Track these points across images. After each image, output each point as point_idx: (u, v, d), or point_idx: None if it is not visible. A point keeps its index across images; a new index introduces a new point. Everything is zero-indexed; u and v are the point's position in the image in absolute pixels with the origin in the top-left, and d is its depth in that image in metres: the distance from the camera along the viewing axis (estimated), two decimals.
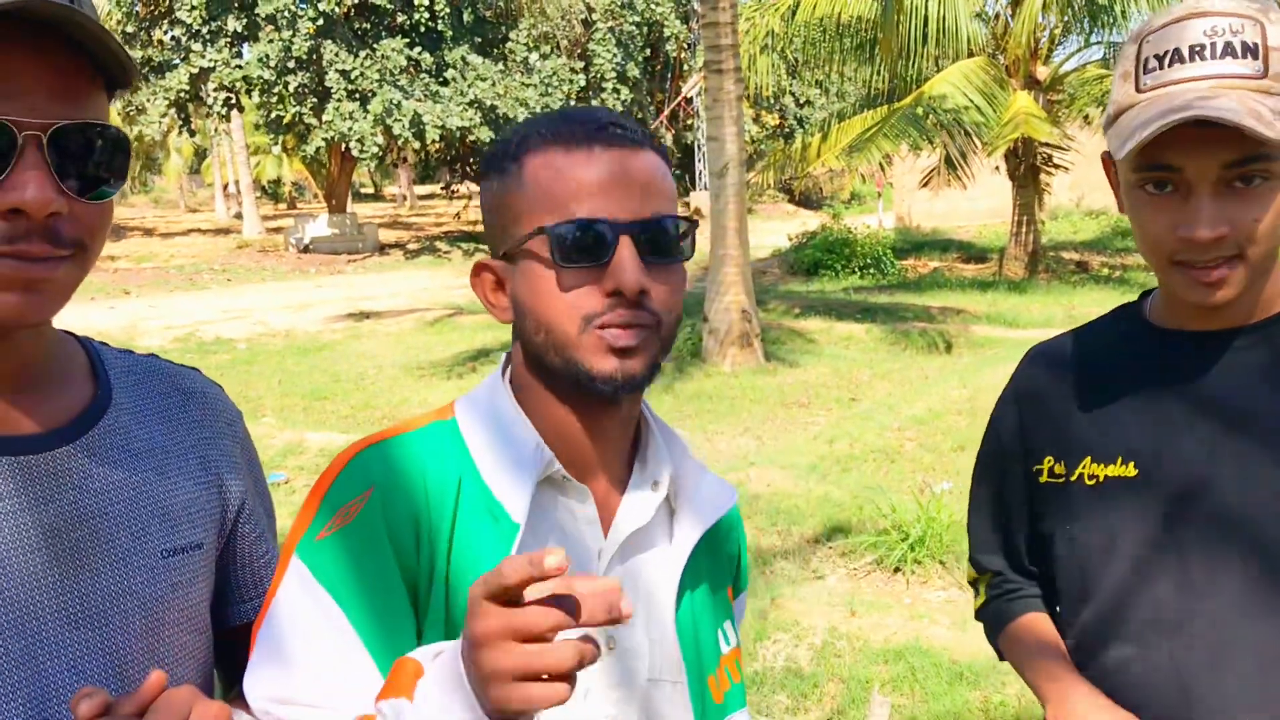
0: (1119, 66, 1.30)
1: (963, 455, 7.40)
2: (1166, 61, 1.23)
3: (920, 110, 14.73)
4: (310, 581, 1.04)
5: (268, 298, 17.05)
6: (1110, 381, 1.40)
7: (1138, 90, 1.25)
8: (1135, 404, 1.36)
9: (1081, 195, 24.25)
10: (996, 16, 16.18)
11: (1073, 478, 1.39)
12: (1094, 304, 12.61)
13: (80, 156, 0.92)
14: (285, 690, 1.02)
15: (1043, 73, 15.92)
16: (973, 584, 1.65)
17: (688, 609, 1.18)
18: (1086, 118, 15.74)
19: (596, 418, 1.13)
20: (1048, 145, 15.33)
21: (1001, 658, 1.62)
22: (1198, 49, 1.21)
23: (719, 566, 1.25)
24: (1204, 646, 1.29)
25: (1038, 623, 1.51)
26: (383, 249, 26.45)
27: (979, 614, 1.64)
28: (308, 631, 1.03)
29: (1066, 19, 15.65)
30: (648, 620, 1.14)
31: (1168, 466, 1.32)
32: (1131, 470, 1.34)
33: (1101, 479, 1.36)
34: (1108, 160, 1.34)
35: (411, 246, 26.70)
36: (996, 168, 16.24)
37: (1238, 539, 1.28)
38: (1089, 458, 1.38)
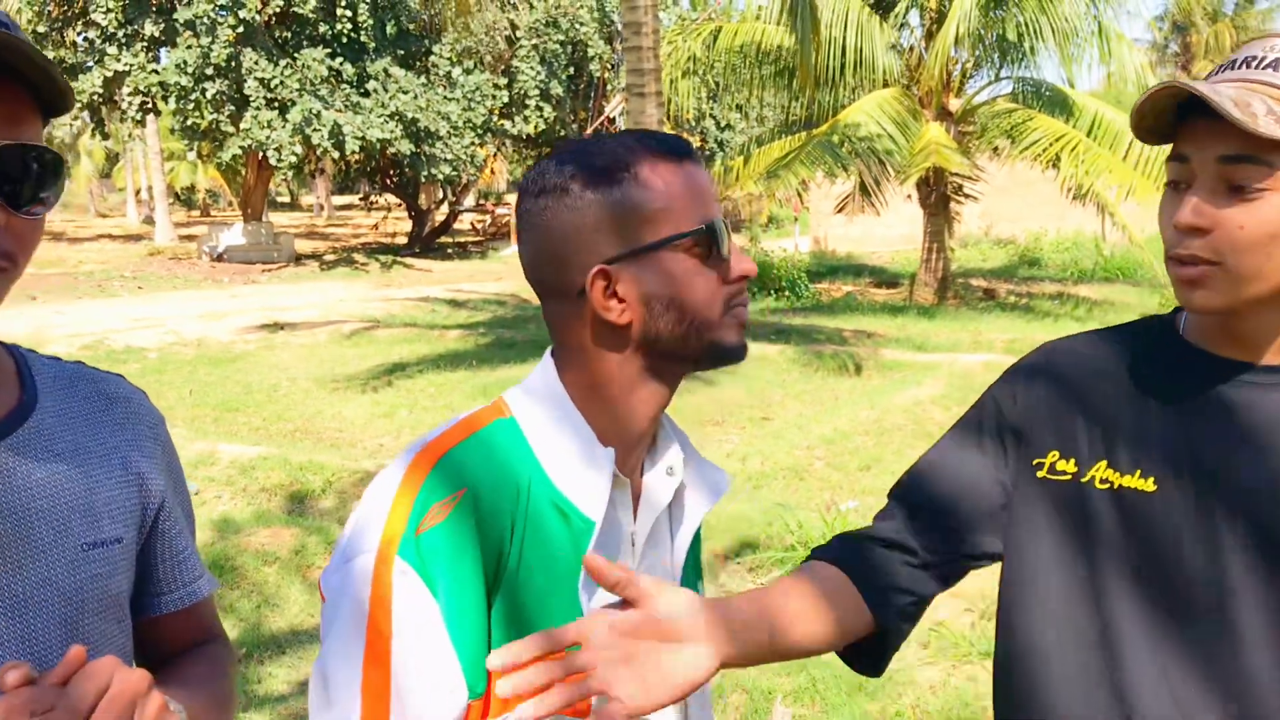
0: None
1: (868, 474, 7.60)
2: (1222, 67, 1.25)
3: (836, 138, 15.07)
4: (413, 579, 1.08)
5: (180, 306, 16.75)
6: (1136, 389, 1.34)
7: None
8: (1157, 419, 1.31)
9: (990, 224, 24.97)
10: (911, 49, 16.64)
11: (1084, 479, 1.32)
12: (999, 330, 13.01)
13: (16, 176, 0.99)
14: (427, 694, 1.07)
15: (955, 105, 16.40)
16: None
17: (687, 582, 1.30)
18: (996, 149, 16.25)
19: (665, 403, 1.25)
20: (958, 175, 15.78)
21: None
22: (1250, 58, 1.23)
23: (695, 548, 1.36)
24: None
25: (816, 572, 1.35)
26: (299, 259, 26.13)
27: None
28: (409, 629, 1.07)
29: (978, 54, 16.14)
30: None
31: (1186, 489, 1.26)
32: (1150, 485, 1.28)
33: (1116, 487, 1.30)
34: None
35: (328, 257, 26.42)
36: (909, 195, 16.68)
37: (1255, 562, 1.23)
38: (1104, 462, 1.32)
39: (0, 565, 1.05)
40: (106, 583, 1.14)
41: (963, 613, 4.80)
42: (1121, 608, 1.30)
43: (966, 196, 16.65)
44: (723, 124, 32.50)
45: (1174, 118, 1.25)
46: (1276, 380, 1.26)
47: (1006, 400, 1.42)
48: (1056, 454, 1.35)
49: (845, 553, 1.39)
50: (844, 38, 15.24)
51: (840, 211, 18.70)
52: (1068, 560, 1.34)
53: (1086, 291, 17.62)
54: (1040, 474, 1.36)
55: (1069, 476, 1.34)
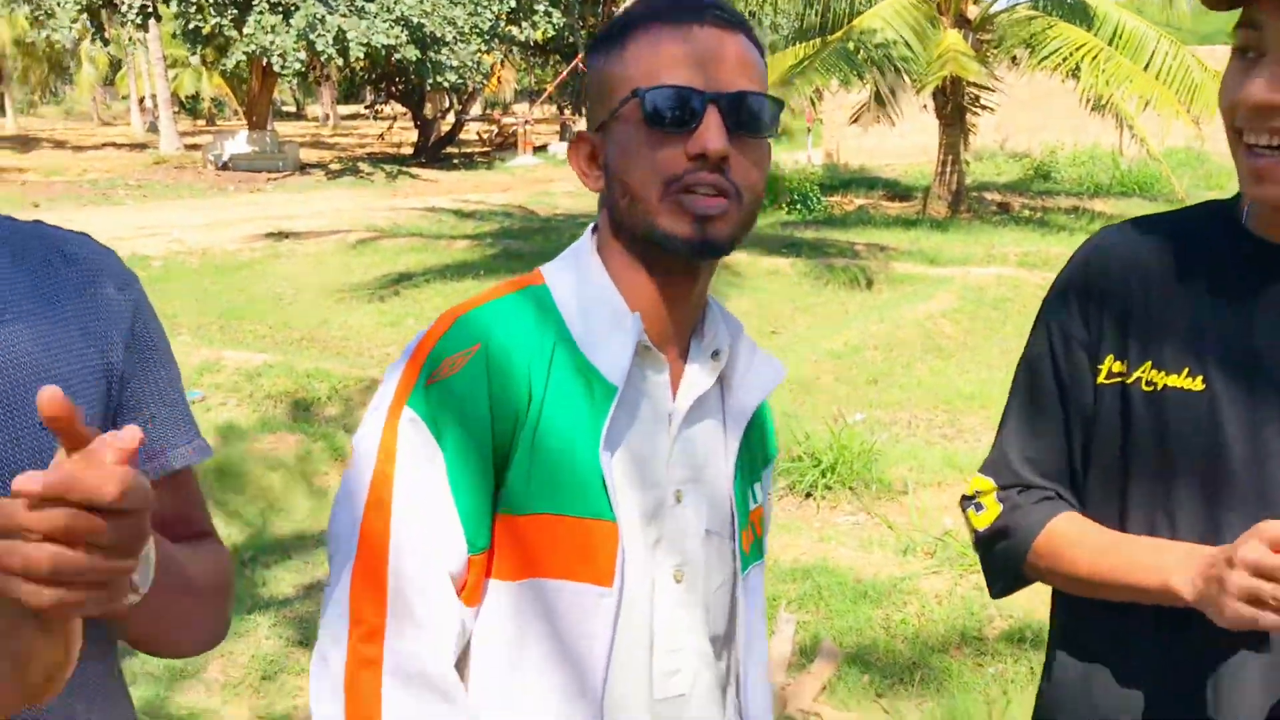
0: None
1: (875, 388, 7.55)
2: None
3: (852, 45, 14.72)
4: (419, 427, 1.10)
5: (184, 215, 16.61)
6: (1187, 285, 1.26)
7: None
8: (1212, 315, 1.24)
9: (1006, 137, 24.54)
10: None
11: (1129, 380, 1.28)
12: (1013, 243, 12.83)
13: None
14: (396, 539, 1.09)
15: (973, 12, 15.99)
16: (969, 500, 1.46)
17: (737, 467, 1.26)
18: (1014, 59, 15.87)
19: (676, 286, 1.19)
20: (975, 85, 15.45)
21: (1016, 578, 1.43)
22: None
23: (753, 435, 1.32)
24: None
25: (1079, 520, 1.34)
26: (304, 168, 25.87)
27: (985, 530, 1.42)
28: (410, 476, 1.10)
29: None
30: (711, 478, 1.23)
31: (1239, 390, 1.21)
32: (1199, 385, 1.23)
33: (1160, 387, 1.25)
34: None
35: (334, 167, 26.16)
36: (925, 106, 16.34)
37: None
38: (1149, 362, 1.26)
39: None
40: None
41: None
42: (1162, 513, 1.26)
43: (983, 108, 16.31)
44: None
45: None
46: None
47: (1069, 320, 1.35)
48: (1111, 356, 1.30)
49: (1042, 513, 1.36)
50: None
51: (855, 122, 18.37)
52: (1112, 464, 1.31)
53: (1102, 206, 17.37)
54: (1099, 379, 1.31)
55: (1119, 379, 1.29)
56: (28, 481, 0.73)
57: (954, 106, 15.95)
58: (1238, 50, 1.15)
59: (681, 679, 1.21)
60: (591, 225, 1.25)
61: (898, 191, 19.88)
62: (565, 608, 1.12)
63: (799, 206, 17.15)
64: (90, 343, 1.09)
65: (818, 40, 15.83)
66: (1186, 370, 1.23)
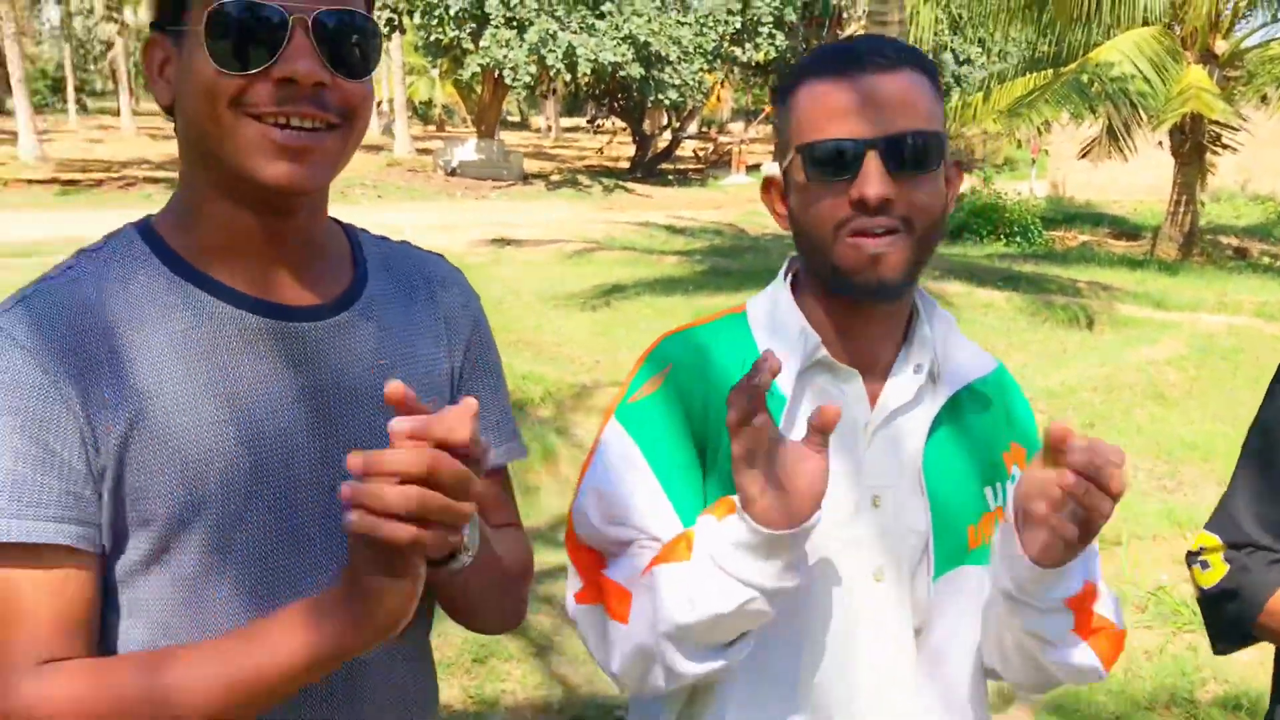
0: None
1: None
2: None
3: (1086, 77, 14.23)
4: (625, 436, 1.30)
5: (415, 217, 17.53)
6: None
7: None
8: None
9: (1248, 179, 23.14)
10: None
11: None
12: (1249, 292, 12.12)
13: (338, 40, 1.06)
14: (611, 512, 1.27)
15: (1221, 47, 15.19)
16: (1194, 556, 1.52)
17: (942, 462, 1.32)
18: (1264, 98, 14.99)
19: (860, 311, 1.30)
20: (1218, 123, 14.68)
21: (1241, 636, 1.48)
22: None
23: (987, 429, 1.36)
24: None
25: None
26: (527, 178, 26.83)
27: (1214, 588, 1.49)
28: (622, 472, 1.28)
29: None
30: (909, 477, 1.30)
31: None
32: None
33: None
34: None
35: (554, 178, 27.03)
36: (1160, 143, 15.63)
37: None
38: None
39: (331, 424, 1.14)
40: None
41: (1184, 581, 4.59)
42: None
43: (1224, 147, 15.47)
44: (961, 57, 31.21)
45: None
46: None
47: None
48: None
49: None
50: None
51: (1084, 156, 17.72)
52: None
53: None
54: None
55: None
56: (399, 423, 0.90)
57: (1192, 144, 15.19)
58: None
59: (878, 672, 1.29)
60: (789, 258, 1.38)
61: (1125, 229, 19.04)
62: None
63: (1018, 239, 16.67)
64: (439, 347, 1.27)
65: (1049, 71, 15.37)
66: None
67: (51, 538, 1.00)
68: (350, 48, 1.07)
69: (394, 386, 0.92)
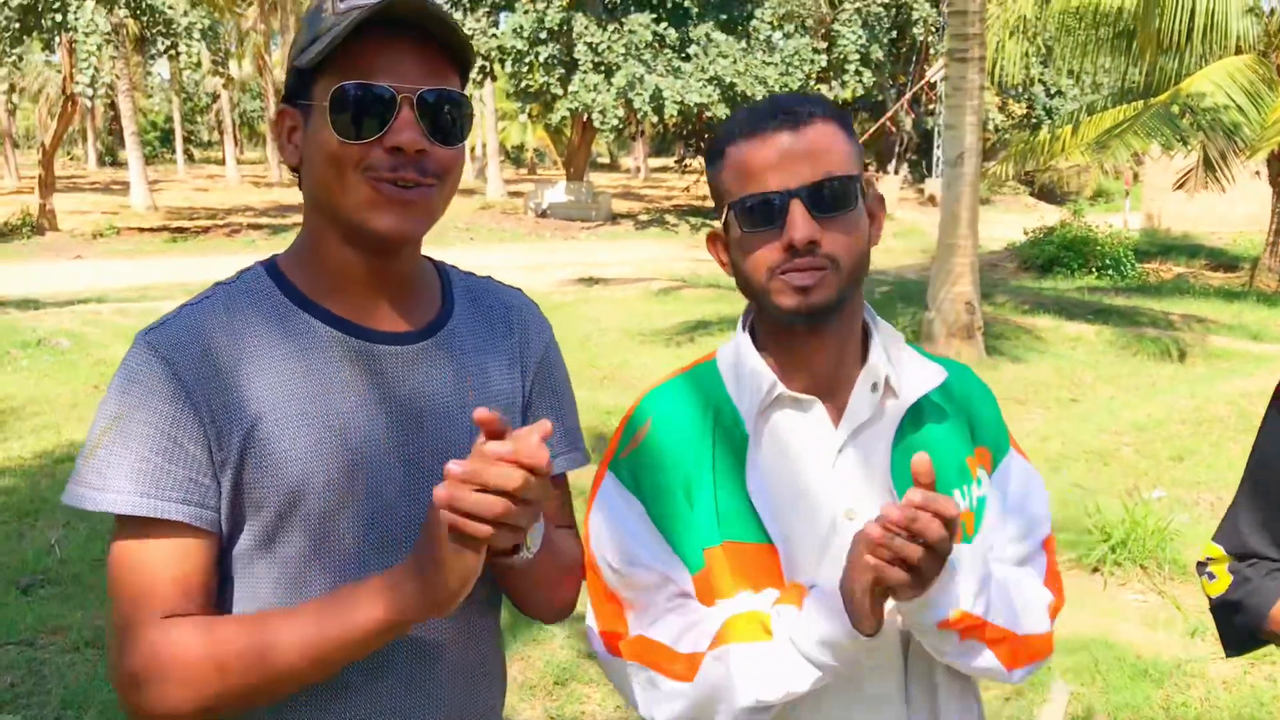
0: None
1: (1180, 465, 7.21)
2: None
3: (1176, 108, 14.04)
4: (620, 488, 1.45)
5: (506, 257, 17.94)
6: None
7: None
8: None
9: None
10: (1272, 12, 15.20)
11: None
12: None
13: (436, 113, 1.27)
14: (625, 555, 1.43)
15: None
16: (1202, 567, 1.62)
17: (906, 473, 1.37)
18: None
19: (812, 339, 1.42)
20: None
21: (1249, 641, 1.57)
22: None
23: (948, 436, 1.47)
24: None
25: None
26: (615, 218, 27.20)
27: (1220, 599, 1.59)
28: (626, 520, 1.43)
29: None
30: (879, 490, 1.41)
31: None
32: None
33: None
34: None
35: (642, 217, 27.35)
36: (1257, 172, 15.32)
37: None
38: None
39: (417, 432, 1.35)
40: None
41: None
42: None
43: None
44: (1053, 90, 30.88)
45: None
46: None
47: None
48: None
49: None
50: (1193, 1, 14.13)
51: (1180, 188, 17.41)
52: None
53: None
54: None
55: None
56: (495, 447, 1.09)
57: None
58: None
59: (869, 673, 1.39)
60: (747, 307, 1.51)
61: (1222, 261, 18.63)
62: None
63: (1110, 272, 16.44)
64: (513, 369, 1.47)
65: (1139, 102, 15.19)
66: None
67: (174, 515, 1.22)
68: (446, 119, 1.28)
69: (482, 412, 1.11)
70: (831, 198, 1.35)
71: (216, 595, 1.28)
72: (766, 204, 1.35)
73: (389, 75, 1.25)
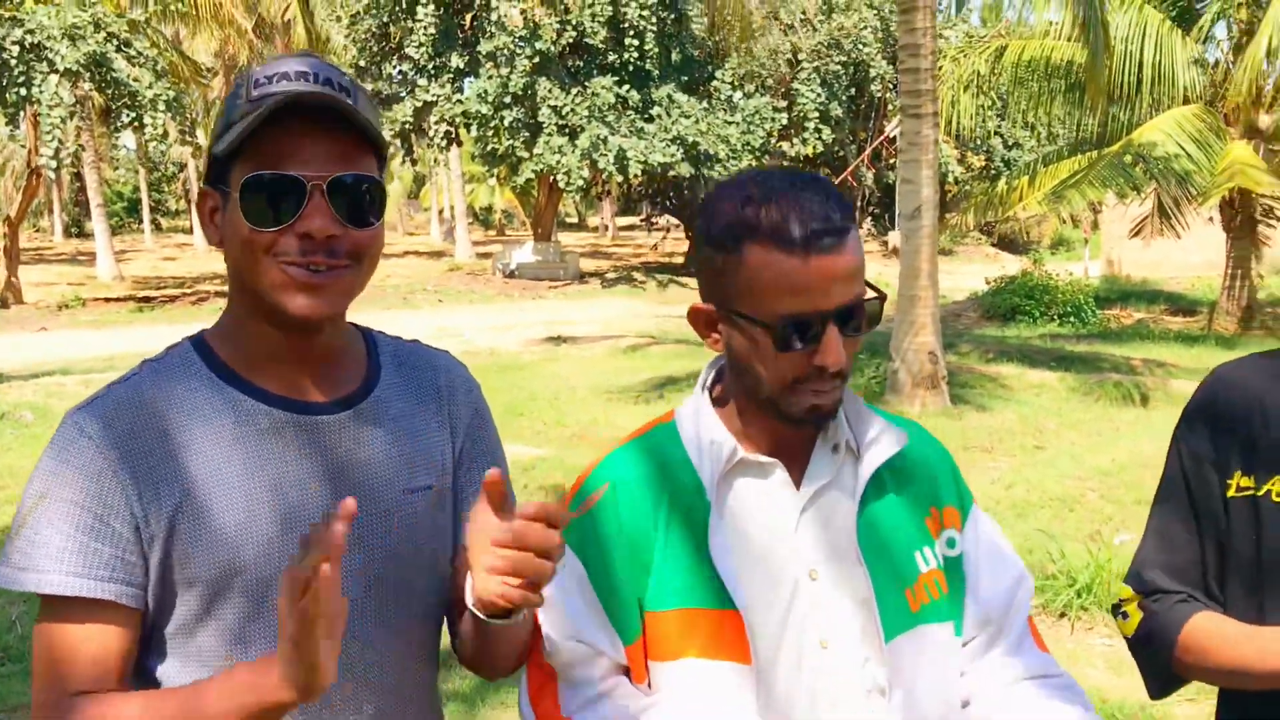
0: None
1: (1144, 509, 7.25)
2: None
3: (1129, 157, 14.37)
4: (569, 553, 1.39)
5: (475, 318, 17.96)
6: None
7: None
8: None
9: None
10: (1216, 64, 15.63)
11: (1259, 493, 1.46)
12: None
13: (350, 197, 1.30)
14: (565, 626, 1.41)
15: (1265, 122, 15.27)
16: (1117, 609, 1.64)
17: (874, 534, 1.42)
18: None
19: (782, 435, 1.43)
20: (1267, 197, 14.68)
21: (1169, 678, 1.59)
22: None
23: (910, 498, 1.47)
24: None
25: (1216, 617, 1.51)
26: (583, 277, 27.34)
27: (1133, 636, 1.61)
28: (570, 589, 1.41)
29: None
30: (842, 550, 1.41)
31: None
32: None
33: None
34: None
35: (610, 275, 27.50)
36: (1211, 218, 15.65)
37: None
38: (1278, 477, 1.45)
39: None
40: (420, 519, 1.43)
41: None
42: None
43: (1277, 220, 15.44)
44: (1010, 141, 31.44)
45: None
46: None
47: (1199, 442, 1.55)
48: (1239, 472, 1.50)
49: (1184, 612, 1.54)
50: (1141, 52, 14.53)
51: (1136, 235, 17.76)
52: (1248, 569, 1.49)
53: None
54: (1229, 493, 1.51)
55: (1248, 492, 1.48)
56: (530, 508, 1.15)
57: (1243, 219, 15.20)
58: None
59: None
60: (709, 364, 1.51)
61: (1181, 306, 18.93)
62: (714, 682, 1.36)
63: (1071, 319, 16.66)
64: (442, 431, 1.49)
65: (1094, 152, 15.53)
66: None
67: (99, 593, 1.24)
68: (359, 203, 1.31)
69: (492, 476, 1.16)
70: (861, 322, 1.35)
71: (138, 668, 1.30)
72: (809, 328, 1.31)
73: (299, 163, 1.27)
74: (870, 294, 1.36)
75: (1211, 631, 1.49)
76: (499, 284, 25.64)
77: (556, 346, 14.76)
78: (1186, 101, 15.04)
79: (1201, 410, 1.58)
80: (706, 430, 1.44)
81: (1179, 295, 20.19)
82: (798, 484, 1.44)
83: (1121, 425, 9.87)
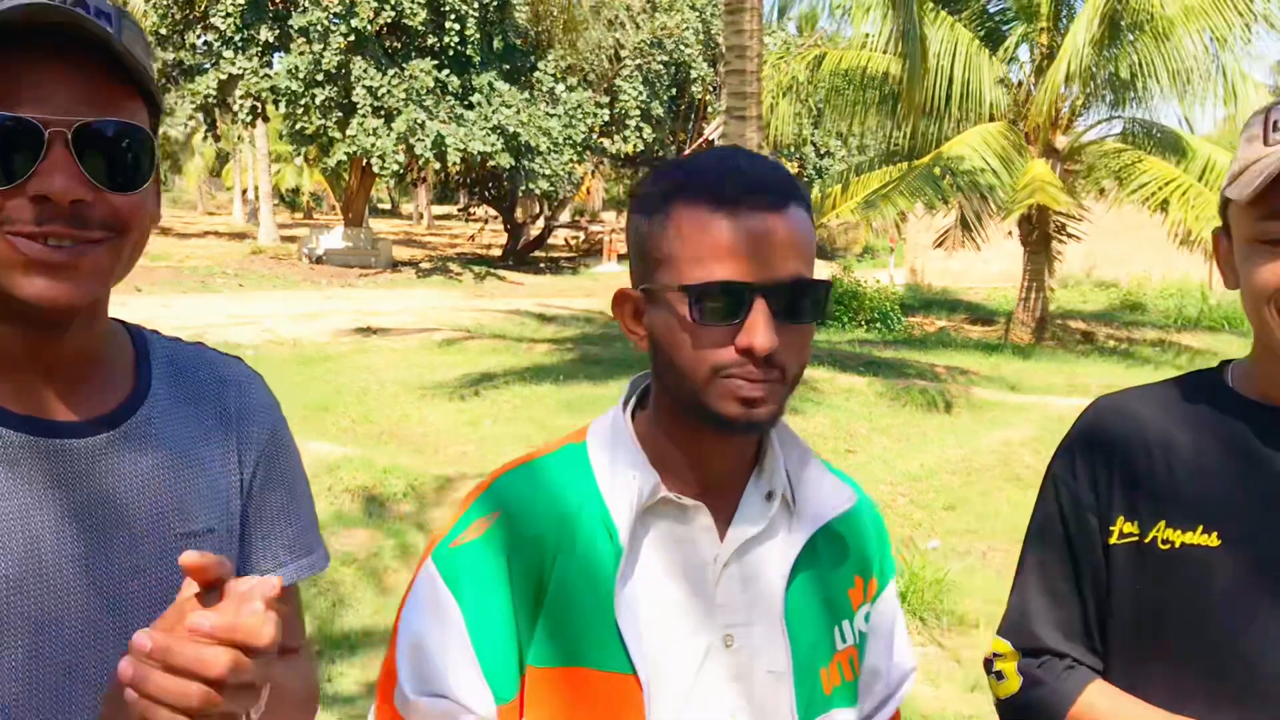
0: (1245, 133, 1.29)
1: (953, 515, 7.43)
2: None
3: (938, 170, 14.87)
4: (440, 584, 1.17)
5: (278, 305, 17.15)
6: (1189, 447, 1.35)
7: (1265, 144, 1.24)
8: (1219, 474, 1.32)
9: (1093, 266, 24.39)
10: (1019, 84, 16.36)
11: (1146, 539, 1.34)
12: (1096, 375, 12.65)
13: (105, 151, 0.99)
14: (423, 674, 1.16)
15: (1062, 142, 16.08)
16: (990, 664, 1.48)
17: (800, 603, 1.24)
18: (1103, 190, 15.87)
19: (716, 444, 1.21)
20: (1062, 214, 15.45)
21: None
22: None
23: (840, 566, 1.29)
24: None
25: (1108, 690, 1.38)
26: (395, 265, 26.60)
27: (1009, 700, 1.44)
28: (435, 628, 1.16)
29: (1089, 91, 15.82)
30: (765, 615, 1.21)
31: (1257, 541, 1.29)
32: (1214, 540, 1.29)
33: (1177, 545, 1.31)
34: (1218, 236, 1.35)
35: (424, 265, 26.85)
36: (1010, 232, 16.37)
37: None
38: (1163, 522, 1.33)
39: (101, 550, 1.06)
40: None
41: None
42: (1177, 662, 1.33)
43: (1069, 236, 16.29)
44: (822, 150, 32.33)
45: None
46: None
47: (1077, 483, 1.43)
48: (1122, 518, 1.38)
49: (1076, 682, 1.40)
50: (951, 69, 15.06)
51: (939, 246, 18.44)
52: (1134, 621, 1.38)
53: (1189, 340, 17.08)
54: (1112, 540, 1.38)
55: (1134, 539, 1.36)
56: (199, 620, 0.83)
57: (1039, 234, 15.95)
58: (1268, 243, 1.24)
59: None
60: (633, 379, 1.28)
61: (980, 315, 19.78)
62: None
63: (879, 325, 17.15)
64: (227, 455, 1.19)
65: (905, 164, 16.01)
66: (1200, 527, 1.31)
67: None
68: (118, 159, 1.01)
69: (190, 557, 0.86)
70: (800, 304, 1.13)
71: None
72: (730, 295, 1.10)
73: (34, 102, 0.97)
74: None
75: (1106, 713, 1.35)
76: (305, 270, 24.63)
77: (366, 338, 14.19)
78: (992, 119, 15.67)
79: (1081, 443, 1.45)
80: (623, 458, 1.21)
81: (978, 305, 21.11)
82: (722, 533, 1.21)
83: (928, 430, 10.12)
